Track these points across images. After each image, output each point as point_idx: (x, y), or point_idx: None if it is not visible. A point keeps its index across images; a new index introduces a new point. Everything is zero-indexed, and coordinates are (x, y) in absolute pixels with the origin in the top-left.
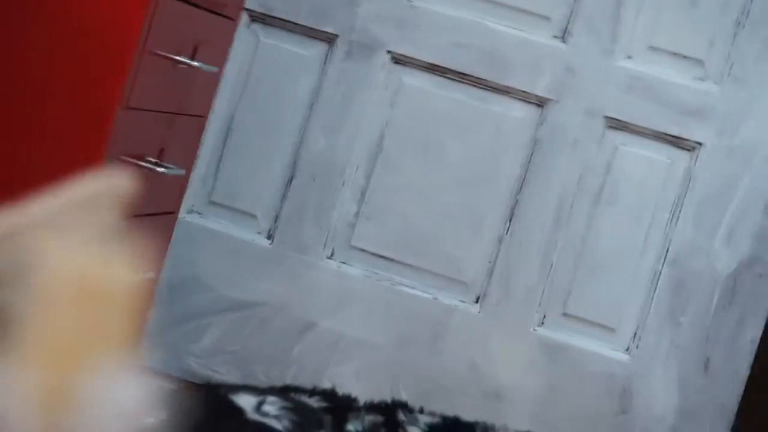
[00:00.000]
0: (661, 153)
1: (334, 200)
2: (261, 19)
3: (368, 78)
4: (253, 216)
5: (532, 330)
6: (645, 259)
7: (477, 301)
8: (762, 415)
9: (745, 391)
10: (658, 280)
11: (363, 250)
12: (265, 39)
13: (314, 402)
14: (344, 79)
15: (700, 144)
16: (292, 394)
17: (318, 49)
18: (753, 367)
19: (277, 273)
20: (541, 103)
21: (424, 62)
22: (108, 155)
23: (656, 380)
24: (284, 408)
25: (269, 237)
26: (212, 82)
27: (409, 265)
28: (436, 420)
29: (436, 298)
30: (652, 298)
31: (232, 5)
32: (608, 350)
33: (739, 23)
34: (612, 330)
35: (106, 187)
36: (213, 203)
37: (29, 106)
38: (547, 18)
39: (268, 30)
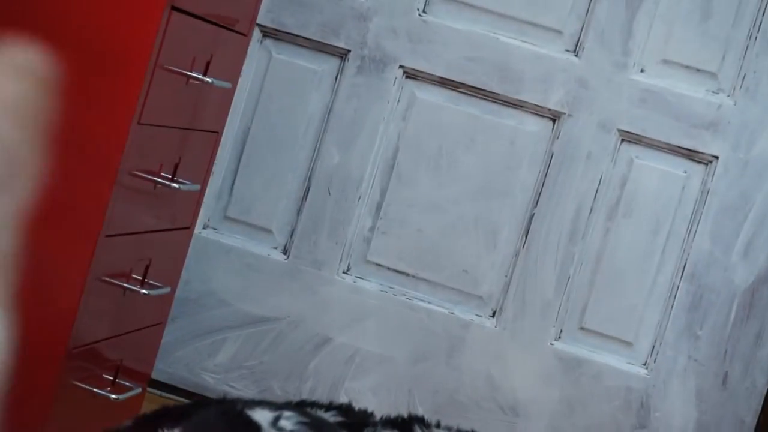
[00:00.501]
0: (676, 166)
1: (349, 215)
2: (273, 34)
3: (381, 93)
4: (269, 231)
5: (548, 344)
6: (662, 272)
7: (493, 315)
8: None
9: (764, 405)
10: (675, 294)
11: (379, 265)
12: (277, 54)
13: (330, 417)
14: (356, 94)
15: (715, 157)
16: (309, 409)
17: (330, 64)
18: None
19: (293, 288)
20: (554, 116)
21: (437, 76)
22: (121, 171)
23: (674, 395)
24: (300, 423)
25: (285, 252)
26: (225, 97)
27: (425, 280)
28: None
29: (452, 313)
30: (670, 312)
31: (243, 21)
32: (626, 364)
33: (750, 35)
34: (629, 344)
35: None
36: (228, 218)
37: None
38: (559, 32)
39: (280, 45)
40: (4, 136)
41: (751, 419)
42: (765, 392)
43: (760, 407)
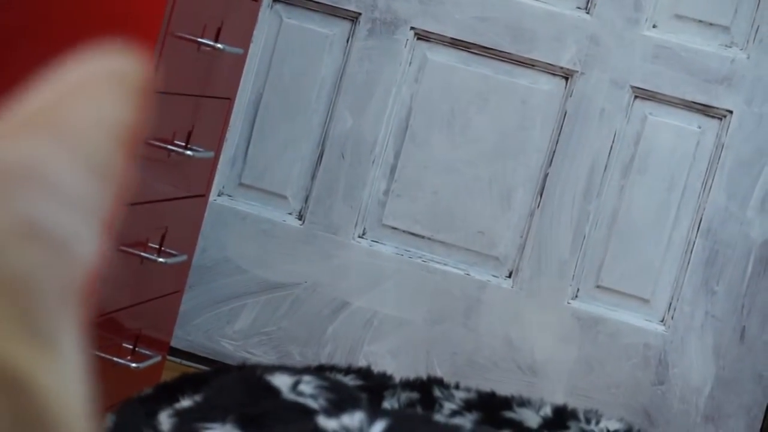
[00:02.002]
0: (690, 122)
1: (364, 179)
2: None
3: (392, 55)
4: (284, 197)
5: (566, 303)
6: (678, 228)
7: (510, 276)
8: None
9: None
10: (691, 250)
11: (394, 228)
12: (288, 19)
13: (350, 380)
14: (368, 57)
15: (729, 112)
16: (328, 373)
17: (341, 27)
18: None
19: (309, 253)
20: (567, 75)
21: (448, 37)
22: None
23: (692, 350)
24: (320, 387)
25: (300, 217)
26: (237, 64)
27: (441, 242)
28: (471, 395)
29: (468, 274)
30: (686, 268)
31: None
32: (643, 321)
33: None
34: (646, 301)
35: (111, 70)
36: (243, 185)
37: None
38: None
39: (291, 10)
40: (103, 152)
41: None
42: None
43: None
